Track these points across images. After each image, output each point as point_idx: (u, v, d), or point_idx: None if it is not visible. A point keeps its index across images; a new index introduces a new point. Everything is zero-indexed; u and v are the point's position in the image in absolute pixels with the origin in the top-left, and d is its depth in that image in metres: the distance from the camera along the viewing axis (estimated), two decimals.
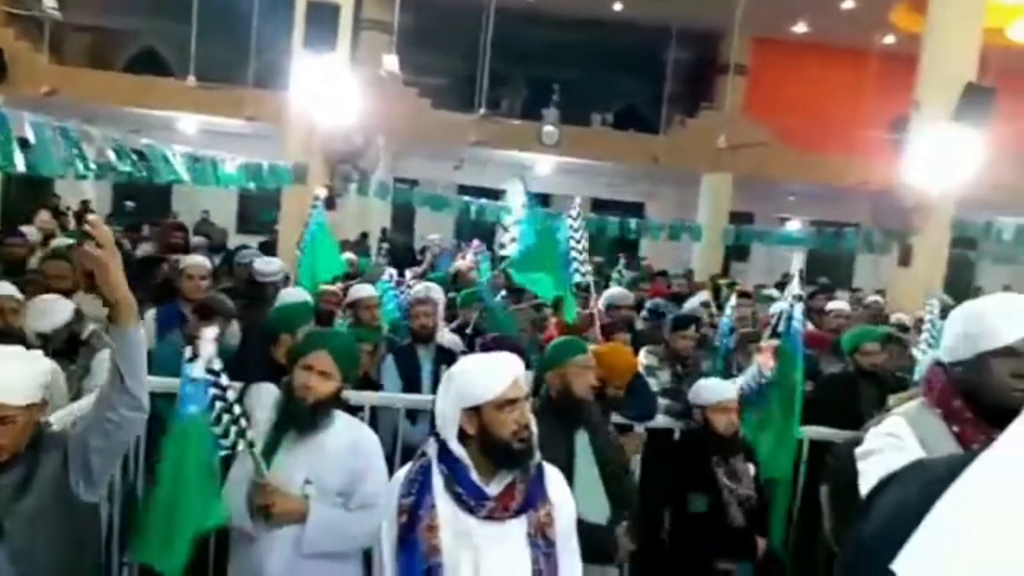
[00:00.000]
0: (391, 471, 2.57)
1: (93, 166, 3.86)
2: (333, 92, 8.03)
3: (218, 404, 2.29)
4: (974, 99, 8.38)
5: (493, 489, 1.94)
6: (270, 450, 2.45)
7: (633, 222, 11.36)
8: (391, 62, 11.04)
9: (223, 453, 2.36)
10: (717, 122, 14.38)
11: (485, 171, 16.87)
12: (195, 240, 9.04)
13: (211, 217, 14.89)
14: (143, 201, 15.31)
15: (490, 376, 1.96)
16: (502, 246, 9.14)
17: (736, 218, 15.57)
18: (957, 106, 8.40)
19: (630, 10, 14.17)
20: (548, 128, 14.83)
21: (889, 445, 1.93)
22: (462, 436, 1.96)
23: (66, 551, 2.07)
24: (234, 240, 13.51)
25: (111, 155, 4.12)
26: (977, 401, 1.91)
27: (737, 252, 16.89)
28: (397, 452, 3.48)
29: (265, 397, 2.78)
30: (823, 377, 4.62)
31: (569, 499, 2.11)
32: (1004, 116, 14.30)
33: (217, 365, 2.29)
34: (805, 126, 15.21)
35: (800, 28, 15.18)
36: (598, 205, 17.24)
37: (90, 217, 1.92)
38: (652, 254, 15.91)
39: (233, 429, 2.31)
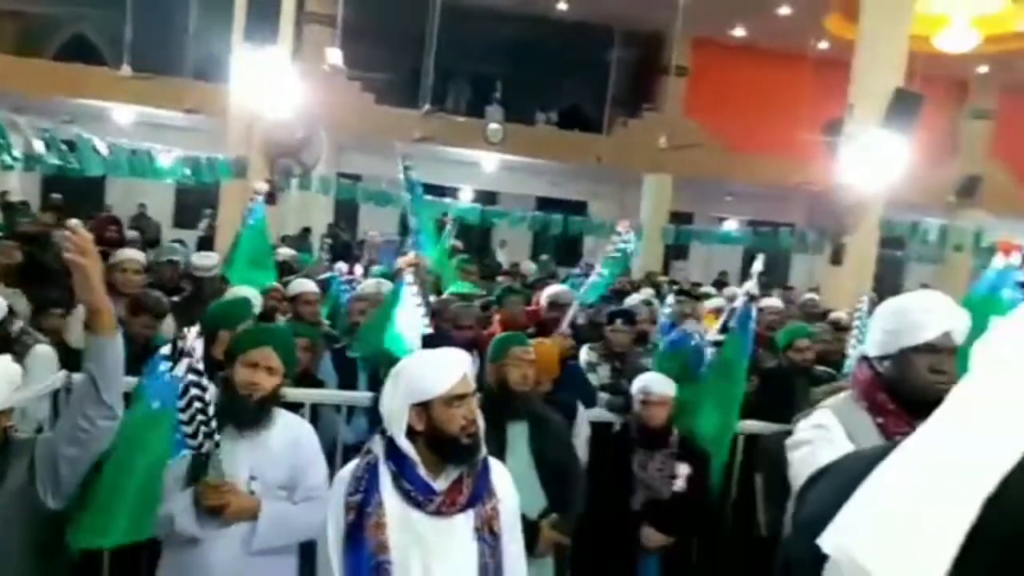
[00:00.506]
0: (331, 469, 2.58)
1: (19, 156, 3.73)
2: (274, 85, 7.91)
3: (196, 404, 2.25)
4: (902, 104, 8.71)
5: (441, 484, 1.96)
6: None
7: (576, 220, 11.46)
8: (334, 55, 10.91)
9: (185, 452, 2.33)
10: (658, 123, 14.62)
11: (431, 167, 16.79)
12: (129, 234, 8.80)
13: (147, 211, 14.50)
14: (76, 193, 14.81)
15: (439, 371, 1.98)
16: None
17: (677, 218, 15.84)
18: (886, 111, 8.71)
19: (574, 10, 14.30)
20: (493, 126, 14.85)
21: (818, 437, 2.00)
22: (410, 432, 1.97)
23: (32, 561, 2.03)
24: (169, 235, 13.18)
25: (39, 146, 3.99)
26: (900, 394, 1.99)
27: (677, 251, 17.19)
28: (338, 450, 3.47)
29: None
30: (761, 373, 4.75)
31: (513, 492, 2.13)
32: (930, 121, 14.90)
33: (200, 366, 2.26)
34: (743, 128, 15.57)
35: (739, 32, 15.52)
36: (542, 203, 17.35)
37: (71, 223, 1.90)
38: (593, 252, 16.08)
39: (203, 430, 2.29)
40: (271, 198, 8.39)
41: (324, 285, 5.11)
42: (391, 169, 16.59)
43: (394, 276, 4.99)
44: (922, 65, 12.62)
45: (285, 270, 6.01)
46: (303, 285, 4.51)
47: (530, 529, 2.87)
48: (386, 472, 1.96)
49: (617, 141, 15.55)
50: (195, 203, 14.79)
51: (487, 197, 17.74)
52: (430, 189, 15.30)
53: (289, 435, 2.50)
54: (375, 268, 6.46)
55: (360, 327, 4.08)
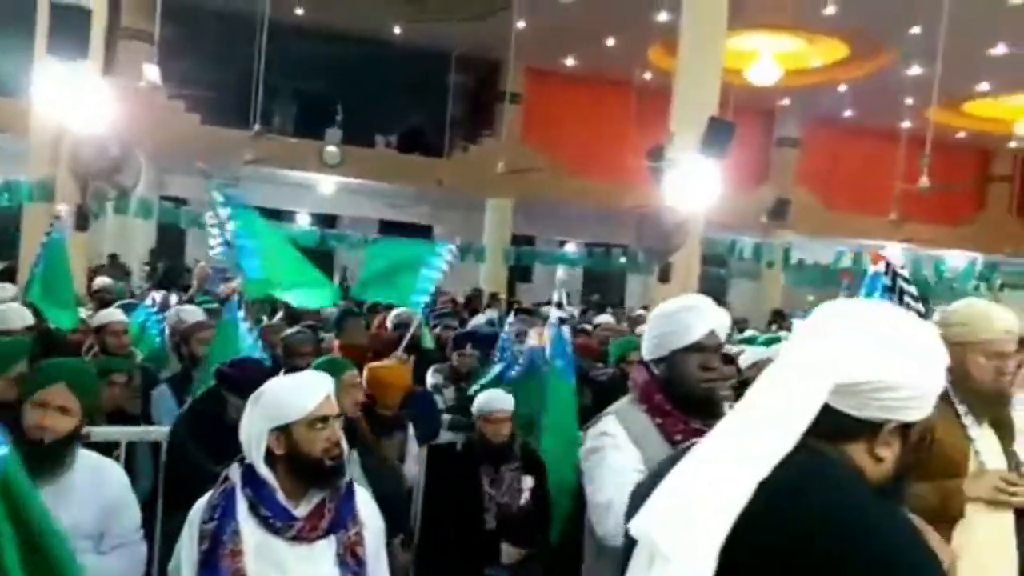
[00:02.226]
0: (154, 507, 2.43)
1: None
2: (83, 101, 7.32)
3: None
4: (716, 132, 9.33)
5: (302, 510, 1.94)
6: None
7: (421, 243, 11.39)
8: (151, 72, 10.28)
9: None
10: (497, 148, 14.90)
11: (264, 190, 16.21)
12: None
13: None
14: None
15: (301, 394, 1.96)
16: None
17: (519, 240, 16.19)
18: (702, 138, 9.33)
19: (409, 34, 14.34)
20: (330, 148, 14.55)
21: (606, 444, 2.06)
22: (268, 458, 1.94)
23: None
24: None
25: None
26: (675, 394, 2.10)
27: (521, 273, 17.56)
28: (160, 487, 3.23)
29: None
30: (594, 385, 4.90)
31: (378, 517, 2.13)
32: (744, 148, 16.14)
33: None
34: (577, 153, 16.19)
35: (570, 62, 16.16)
36: (386, 227, 17.18)
37: None
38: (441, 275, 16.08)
39: None
40: (83, 223, 7.75)
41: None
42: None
43: (222, 303, 4.74)
44: (735, 96, 13.70)
45: (100, 301, 5.52)
46: (109, 316, 4.19)
47: None
48: (243, 499, 1.93)
49: (458, 165, 15.69)
50: None
51: (327, 221, 17.34)
52: (264, 213, 14.87)
53: (92, 476, 2.30)
54: (198, 297, 6.11)
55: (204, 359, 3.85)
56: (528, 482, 3.69)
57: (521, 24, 13.04)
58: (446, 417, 4.48)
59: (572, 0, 12.63)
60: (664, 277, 10.24)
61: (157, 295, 4.79)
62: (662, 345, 2.11)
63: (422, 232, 17.48)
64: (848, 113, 17.98)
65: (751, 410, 1.14)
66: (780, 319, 10.97)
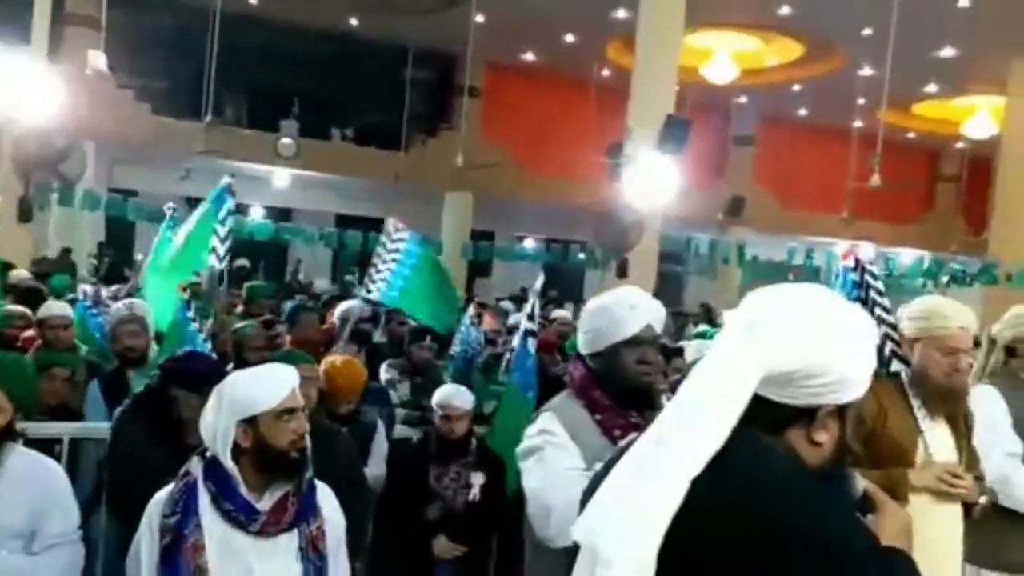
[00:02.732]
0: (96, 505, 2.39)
1: None
2: (26, 90, 7.08)
3: None
4: (673, 129, 9.41)
5: (265, 504, 1.94)
6: None
7: (375, 237, 11.27)
8: (97, 59, 9.97)
9: None
10: (455, 142, 14.81)
11: (216, 182, 15.87)
12: None
13: None
14: None
15: (268, 385, 1.97)
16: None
17: (479, 236, 16.15)
18: (659, 135, 9.39)
19: (367, 27, 14.19)
20: (286, 140, 14.32)
21: (545, 442, 2.03)
22: (235, 450, 1.94)
23: None
24: None
25: None
26: (613, 388, 2.08)
27: (481, 268, 17.53)
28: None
29: None
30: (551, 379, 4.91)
31: (339, 512, 2.13)
32: (701, 146, 16.31)
33: None
34: (536, 149, 16.20)
35: (529, 57, 16.15)
36: (342, 221, 16.97)
37: None
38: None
39: None
40: (26, 215, 7.51)
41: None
42: (172, 184, 15.64)
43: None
44: (692, 95, 13.84)
45: (32, 297, 5.30)
46: (50, 309, 4.07)
47: None
48: (205, 493, 1.93)
49: (416, 159, 15.59)
50: None
51: (281, 214, 17.08)
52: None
53: (26, 474, 2.23)
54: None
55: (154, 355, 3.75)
56: (478, 478, 3.68)
57: (480, 18, 12.99)
58: (400, 412, 4.47)
59: None
60: (622, 273, 10.31)
61: (89, 288, 4.63)
62: (598, 339, 2.10)
63: (379, 226, 17.29)
64: (803, 112, 18.31)
65: (682, 406, 1.15)
66: (708, 313, 11.12)
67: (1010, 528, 2.88)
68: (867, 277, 2.60)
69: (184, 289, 3.47)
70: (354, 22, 13.74)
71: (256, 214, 16.98)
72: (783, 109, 18.09)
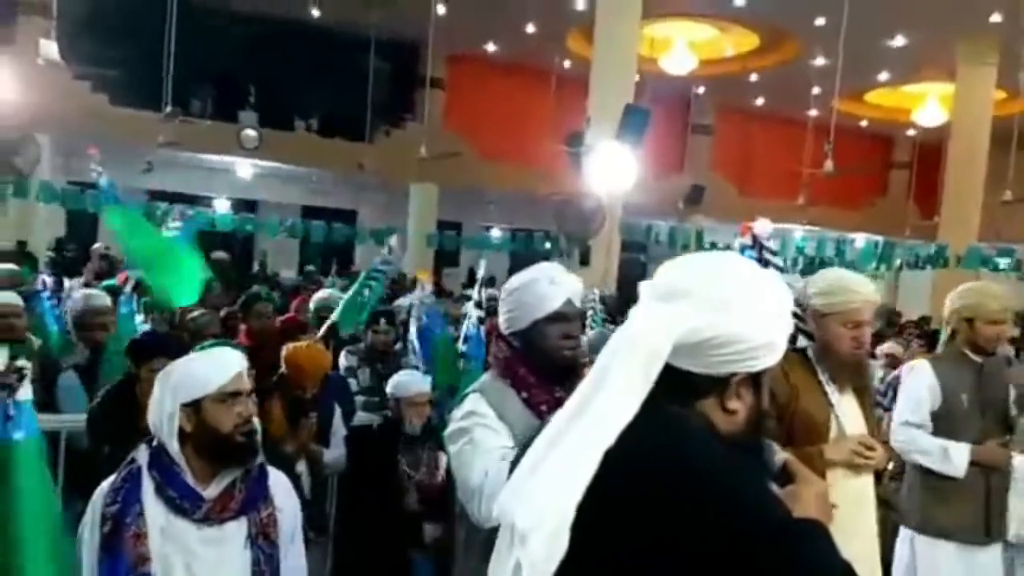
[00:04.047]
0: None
1: None
2: None
3: None
4: (632, 119, 9.56)
5: (211, 491, 1.92)
6: None
7: (338, 227, 11.31)
8: (48, 48, 9.74)
9: None
10: (420, 133, 14.84)
11: (180, 175, 15.75)
12: None
13: None
14: None
15: (211, 368, 1.96)
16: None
17: (446, 226, 16.20)
18: (619, 125, 9.54)
19: (328, 16, 14.12)
20: (249, 132, 14.22)
21: (473, 423, 2.03)
22: (180, 436, 1.92)
23: None
24: None
25: None
26: (537, 365, 2.08)
27: (449, 258, 17.59)
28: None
29: None
30: None
31: (294, 499, 2.12)
32: (661, 136, 16.50)
33: None
34: (500, 139, 16.26)
35: (491, 47, 16.19)
36: (309, 212, 16.91)
37: None
38: (364, 258, 15.94)
39: None
40: None
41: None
42: (133, 176, 15.44)
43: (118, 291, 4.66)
44: (652, 85, 14.02)
45: None
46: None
47: None
48: (149, 481, 1.91)
49: (380, 150, 15.57)
50: None
51: (246, 206, 16.95)
52: (181, 198, 14.46)
53: None
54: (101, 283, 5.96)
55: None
56: (444, 459, 3.76)
57: (441, 9, 13.01)
58: (360, 399, 4.54)
59: None
60: (584, 261, 10.47)
61: (48, 279, 4.62)
62: (520, 317, 2.08)
63: (346, 217, 17.30)
64: (760, 101, 18.59)
65: (594, 379, 1.14)
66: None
67: (937, 494, 3.09)
68: (765, 253, 2.60)
69: (124, 282, 3.50)
70: (316, 12, 13.67)
71: (221, 206, 16.86)
72: (741, 98, 18.36)
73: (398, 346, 5.08)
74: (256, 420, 2.02)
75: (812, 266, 12.74)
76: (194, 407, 1.92)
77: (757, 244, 2.66)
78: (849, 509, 2.26)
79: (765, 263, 2.59)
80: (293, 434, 3.73)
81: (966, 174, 13.40)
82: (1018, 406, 3.05)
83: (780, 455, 1.32)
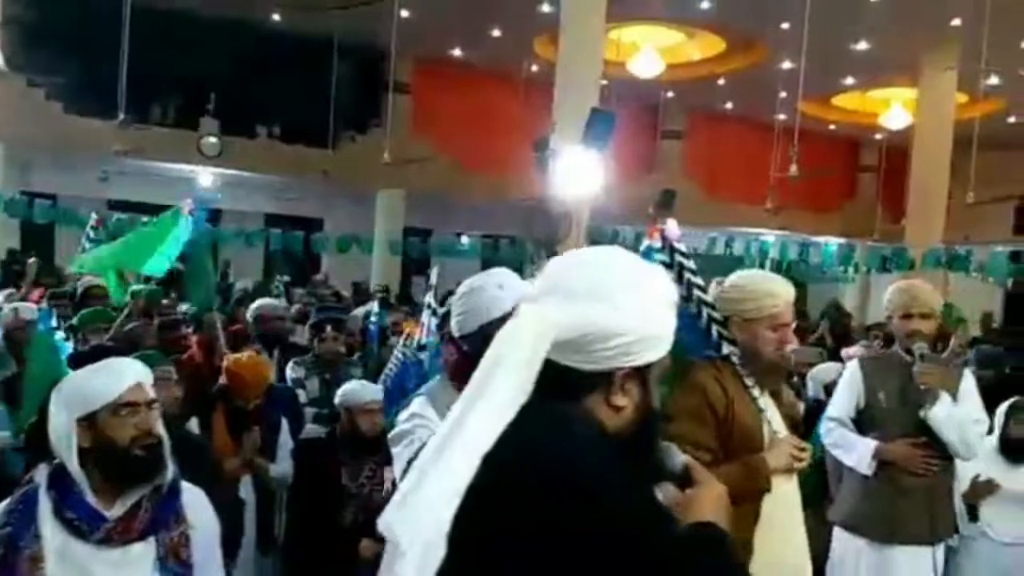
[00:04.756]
0: None
1: None
2: None
3: None
4: (597, 123, 9.45)
5: (116, 511, 1.85)
6: None
7: (295, 236, 11.11)
8: None
9: None
10: (385, 139, 14.67)
11: (139, 184, 15.43)
12: None
13: None
14: None
15: (104, 379, 1.89)
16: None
17: (414, 233, 16.01)
18: (584, 129, 9.44)
19: (290, 21, 13.93)
20: (209, 139, 13.96)
21: (415, 426, 2.03)
22: (81, 454, 1.85)
23: None
24: None
25: None
26: None
27: (418, 266, 17.41)
28: None
29: None
30: None
31: (211, 518, 2.04)
32: (630, 141, 16.46)
33: None
34: (468, 144, 16.13)
35: (457, 52, 16.08)
36: (273, 221, 16.64)
37: None
38: (334, 269, 15.72)
39: None
40: None
41: None
42: (91, 186, 15.08)
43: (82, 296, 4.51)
44: (621, 89, 13.98)
45: None
46: None
47: None
48: (47, 501, 1.82)
49: (345, 156, 15.38)
50: None
51: (210, 215, 16.63)
52: (141, 208, 14.14)
53: None
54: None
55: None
56: (389, 473, 3.63)
57: (405, 13, 12.87)
58: (310, 411, 4.39)
59: None
60: None
61: None
62: (470, 321, 2.09)
63: (313, 225, 17.07)
64: (728, 106, 18.66)
65: (476, 383, 1.11)
66: None
67: (851, 489, 3.11)
68: (677, 256, 2.53)
69: (41, 298, 3.36)
70: (277, 17, 13.46)
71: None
72: (709, 103, 18.41)
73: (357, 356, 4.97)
74: (162, 432, 1.92)
75: (780, 270, 12.80)
76: (89, 421, 1.84)
77: (667, 246, 2.56)
78: (788, 510, 2.33)
79: (678, 266, 2.53)
80: (236, 447, 3.65)
81: (930, 177, 13.50)
82: (926, 400, 2.96)
83: (680, 457, 1.26)
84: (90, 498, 1.84)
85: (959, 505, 3.53)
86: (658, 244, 2.60)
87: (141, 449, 1.86)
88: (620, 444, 1.13)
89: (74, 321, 4.59)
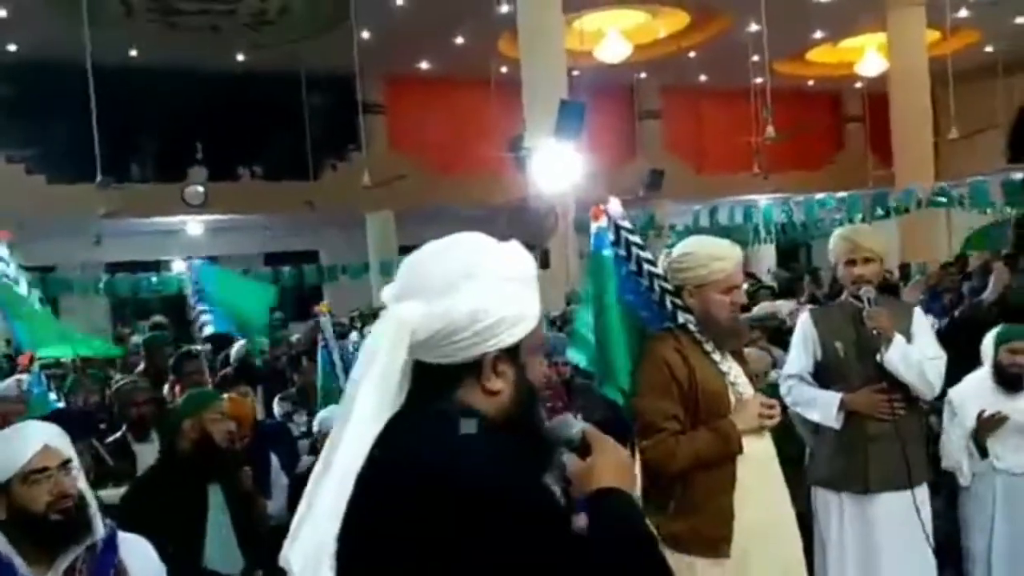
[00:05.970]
0: None
1: None
2: None
3: None
4: (567, 114, 9.42)
5: None
6: None
7: (294, 271, 11.13)
8: None
9: None
10: (366, 161, 14.70)
11: (131, 242, 15.52)
12: None
13: None
14: None
15: (9, 449, 1.85)
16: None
17: (410, 251, 15.92)
18: (555, 122, 9.40)
19: (254, 60, 13.97)
20: (191, 188, 14.01)
21: None
22: (2, 526, 1.82)
23: None
24: None
25: None
26: None
27: None
28: None
29: None
30: None
31: (154, 563, 2.02)
32: (610, 126, 16.43)
33: None
34: (447, 155, 16.15)
35: (425, 65, 16.08)
36: (271, 259, 16.67)
37: None
38: (334, 297, 15.72)
39: None
40: None
41: None
42: (87, 250, 15.14)
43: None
44: (592, 77, 13.93)
45: None
46: None
47: None
48: None
49: (328, 185, 15.41)
50: None
51: (209, 262, 16.68)
52: (135, 266, 14.22)
53: None
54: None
55: None
56: None
57: (366, 34, 12.89)
58: (304, 443, 4.38)
59: (406, 3, 12.52)
60: (544, 263, 10.31)
61: None
62: None
63: (308, 258, 17.09)
64: (703, 78, 18.56)
65: (347, 399, 1.10)
66: None
67: (820, 444, 3.07)
68: (623, 233, 2.54)
69: (31, 361, 3.35)
70: (241, 57, 13.50)
71: (180, 267, 16.59)
72: (683, 78, 18.32)
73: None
74: (84, 489, 1.90)
75: (782, 234, 12.69)
76: (3, 492, 1.82)
77: (612, 224, 2.56)
78: (762, 469, 2.33)
79: (626, 244, 2.53)
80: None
81: (912, 118, 13.40)
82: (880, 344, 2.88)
83: (578, 426, 1.24)
84: (22, 568, 1.81)
85: (969, 444, 3.46)
86: (604, 223, 2.59)
87: (58, 513, 1.82)
88: (505, 429, 1.11)
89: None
